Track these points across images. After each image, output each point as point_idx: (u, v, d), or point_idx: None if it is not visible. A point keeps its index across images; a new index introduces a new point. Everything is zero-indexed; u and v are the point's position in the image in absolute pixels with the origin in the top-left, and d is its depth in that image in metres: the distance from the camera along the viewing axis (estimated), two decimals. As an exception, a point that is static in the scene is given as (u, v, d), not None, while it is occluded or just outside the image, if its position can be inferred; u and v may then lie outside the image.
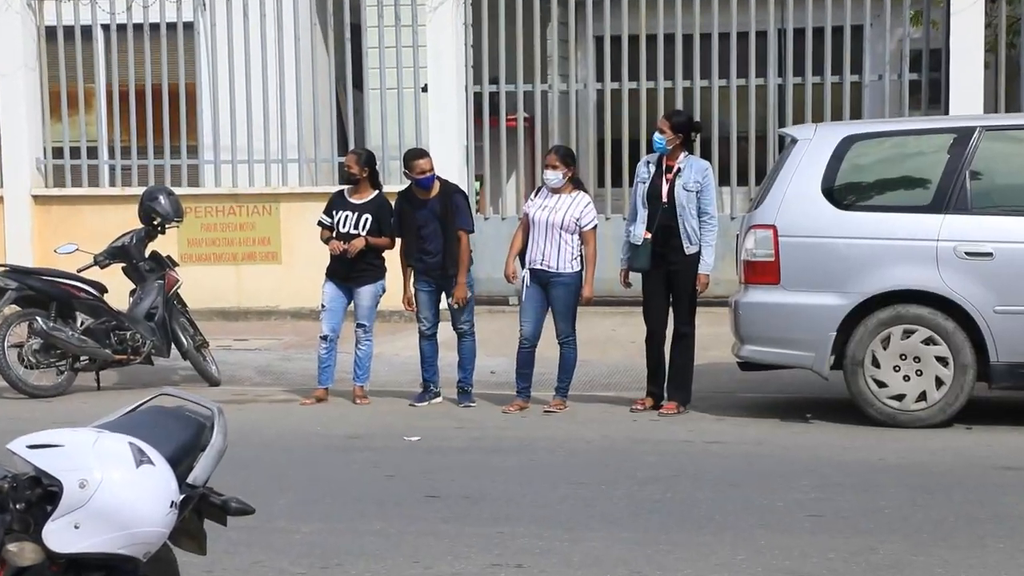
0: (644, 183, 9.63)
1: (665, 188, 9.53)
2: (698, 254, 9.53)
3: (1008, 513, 6.96)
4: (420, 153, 10.31)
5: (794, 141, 9.70)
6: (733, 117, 14.56)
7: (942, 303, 9.02)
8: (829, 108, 14.25)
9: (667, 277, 9.60)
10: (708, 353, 10.68)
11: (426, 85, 14.80)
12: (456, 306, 10.04)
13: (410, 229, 10.09)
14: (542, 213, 9.76)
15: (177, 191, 12.22)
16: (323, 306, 10.35)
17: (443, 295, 10.16)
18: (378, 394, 10.56)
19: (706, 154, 13.91)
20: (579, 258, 9.76)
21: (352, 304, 10.37)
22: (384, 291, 10.39)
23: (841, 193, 9.39)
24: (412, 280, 10.20)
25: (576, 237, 9.73)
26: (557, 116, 15.28)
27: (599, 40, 15.14)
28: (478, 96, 15.05)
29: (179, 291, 11.31)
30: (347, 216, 10.24)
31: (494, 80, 15.08)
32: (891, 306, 9.06)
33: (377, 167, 10.65)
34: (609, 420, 9.62)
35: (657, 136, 9.66)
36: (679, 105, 14.11)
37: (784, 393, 10.39)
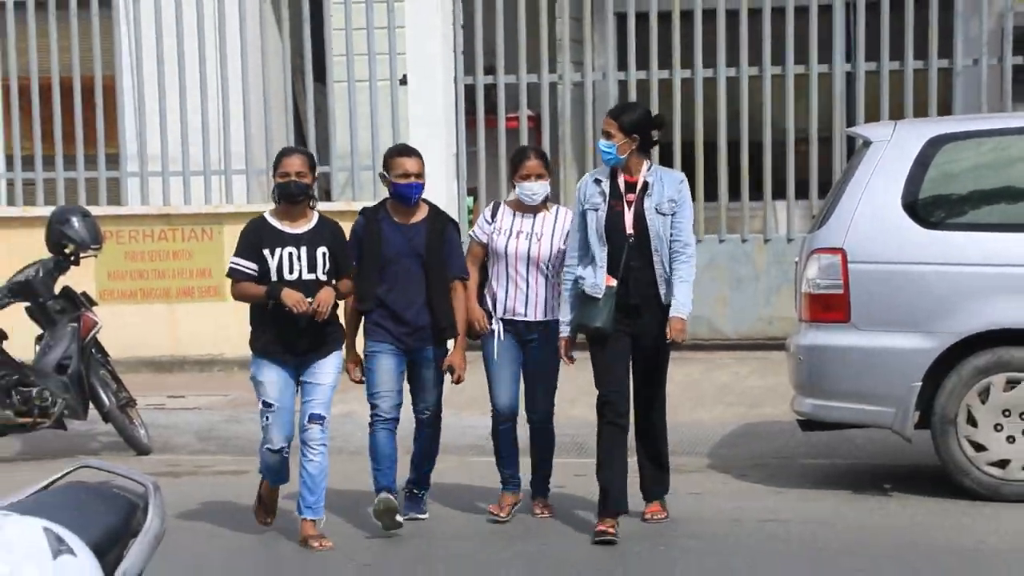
0: (597, 211, 8.59)
1: (628, 215, 8.56)
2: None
3: None
4: (405, 150, 9.07)
5: (867, 143, 9.80)
6: (790, 113, 14.63)
7: (1056, 345, 9.11)
8: (911, 101, 14.34)
9: (633, 339, 8.59)
10: (761, 410, 10.73)
11: (405, 76, 14.89)
12: (456, 383, 8.95)
13: (371, 263, 8.80)
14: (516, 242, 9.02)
15: (94, 211, 12.32)
16: (269, 404, 8.46)
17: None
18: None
19: (756, 158, 13.99)
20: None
21: (300, 389, 8.56)
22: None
23: (928, 208, 9.49)
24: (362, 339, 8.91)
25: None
26: (569, 114, 15.37)
27: (621, 18, 15.22)
28: (471, 90, 15.16)
29: (98, 337, 11.36)
30: (291, 254, 8.52)
31: (490, 70, 15.18)
32: (991, 349, 9.13)
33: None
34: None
35: (603, 142, 8.63)
36: (721, 99, 14.21)
37: (857, 459, 10.44)
